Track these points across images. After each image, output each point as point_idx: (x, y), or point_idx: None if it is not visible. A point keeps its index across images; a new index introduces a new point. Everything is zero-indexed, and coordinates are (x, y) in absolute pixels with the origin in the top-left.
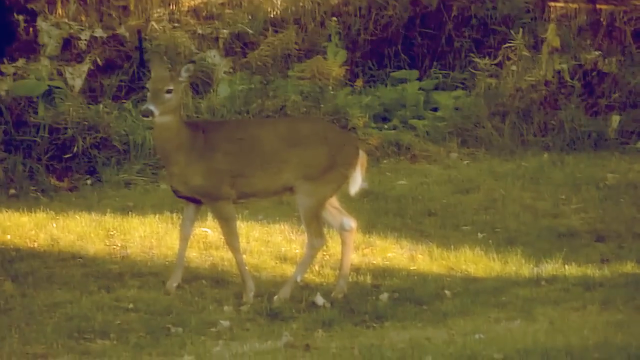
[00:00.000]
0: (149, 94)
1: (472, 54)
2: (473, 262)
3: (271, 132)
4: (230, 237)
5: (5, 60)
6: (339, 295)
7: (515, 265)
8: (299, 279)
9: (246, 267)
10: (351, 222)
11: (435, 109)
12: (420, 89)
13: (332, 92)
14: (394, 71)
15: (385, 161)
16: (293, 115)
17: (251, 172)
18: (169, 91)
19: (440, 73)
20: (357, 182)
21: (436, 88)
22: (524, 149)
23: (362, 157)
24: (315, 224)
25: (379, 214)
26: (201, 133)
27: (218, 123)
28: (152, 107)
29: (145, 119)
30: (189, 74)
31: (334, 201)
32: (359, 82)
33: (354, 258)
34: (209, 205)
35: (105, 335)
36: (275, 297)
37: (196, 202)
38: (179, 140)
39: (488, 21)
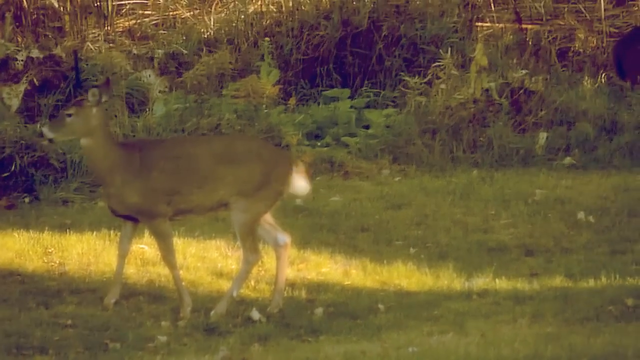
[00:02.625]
0: None
1: (402, 73)
2: (406, 276)
3: (206, 150)
4: (167, 254)
5: None
6: (274, 310)
7: (447, 280)
8: (235, 294)
9: (183, 283)
10: (285, 238)
11: (367, 127)
12: (352, 107)
13: (265, 111)
14: (326, 90)
15: (318, 178)
16: (227, 133)
17: (188, 190)
18: (69, 115)
19: (372, 91)
20: (303, 188)
21: (367, 106)
22: (453, 165)
23: (300, 165)
24: (250, 240)
25: (313, 229)
26: (137, 152)
27: (154, 142)
28: (44, 129)
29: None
30: (95, 98)
31: (268, 217)
32: (292, 101)
33: (288, 273)
34: (145, 223)
35: (44, 351)
36: (212, 312)
37: (134, 220)
38: (111, 161)
39: (417, 41)
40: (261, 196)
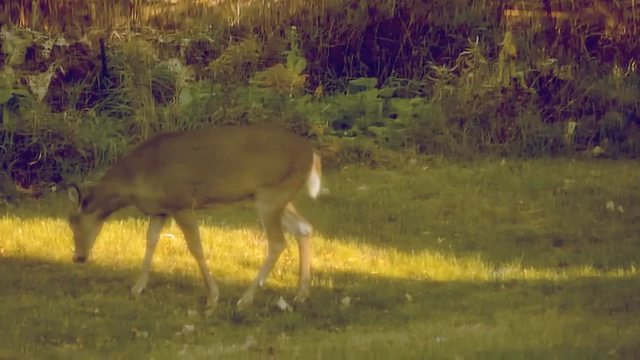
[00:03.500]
0: None
1: (429, 62)
2: (433, 266)
3: (230, 140)
4: (193, 243)
5: None
6: (301, 300)
7: (475, 270)
8: (261, 283)
9: (209, 272)
10: (307, 227)
11: (394, 116)
12: (379, 96)
13: (292, 100)
14: (353, 79)
15: (345, 167)
16: (250, 123)
17: (212, 179)
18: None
19: (399, 80)
20: (316, 185)
21: (394, 95)
22: (481, 155)
23: (317, 160)
24: (276, 229)
25: (340, 219)
26: (151, 149)
27: (174, 134)
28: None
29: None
30: (76, 196)
31: (290, 206)
32: (319, 90)
33: (315, 263)
34: (172, 214)
35: (71, 339)
36: (239, 301)
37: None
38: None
39: (445, 29)
40: (285, 185)
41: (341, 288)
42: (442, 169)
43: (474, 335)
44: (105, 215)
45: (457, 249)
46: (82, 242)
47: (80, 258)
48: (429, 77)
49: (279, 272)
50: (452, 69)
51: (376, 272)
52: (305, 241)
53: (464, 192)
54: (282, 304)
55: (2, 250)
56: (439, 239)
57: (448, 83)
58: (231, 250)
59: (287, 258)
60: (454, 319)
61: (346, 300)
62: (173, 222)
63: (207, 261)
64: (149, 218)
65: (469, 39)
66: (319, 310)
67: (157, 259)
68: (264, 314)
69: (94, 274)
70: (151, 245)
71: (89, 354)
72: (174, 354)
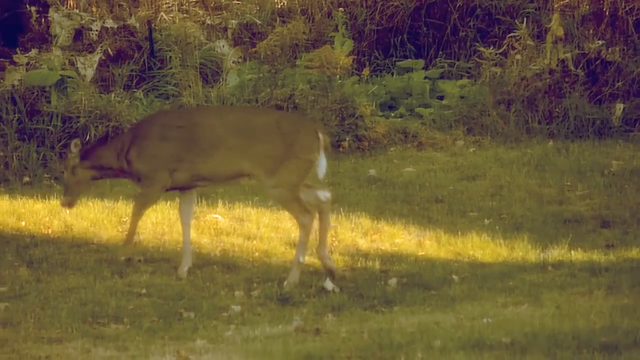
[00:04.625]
0: None
1: (477, 44)
2: (480, 247)
3: (217, 121)
4: (138, 209)
5: (18, 51)
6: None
7: (522, 251)
8: (302, 260)
9: (134, 231)
10: (326, 193)
11: (441, 98)
12: (426, 77)
13: (339, 81)
14: (400, 60)
15: (392, 149)
16: (244, 106)
17: (195, 158)
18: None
19: (446, 62)
20: (322, 165)
21: (442, 77)
22: (529, 136)
23: (324, 140)
24: (296, 206)
25: (387, 200)
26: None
27: (166, 112)
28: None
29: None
30: (78, 148)
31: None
32: (366, 71)
33: (362, 244)
34: (140, 186)
35: (118, 319)
36: (285, 282)
37: (184, 188)
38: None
39: (493, 11)
40: (289, 169)
41: (388, 269)
42: (489, 150)
43: (521, 316)
44: (96, 179)
45: (504, 231)
46: (72, 190)
47: (69, 203)
48: (476, 59)
49: (325, 253)
50: (500, 50)
51: (423, 253)
52: (324, 207)
53: (511, 173)
54: (329, 284)
55: (50, 230)
56: (485, 220)
57: (495, 65)
58: (278, 231)
59: (333, 239)
60: (501, 300)
61: (393, 281)
62: (220, 203)
63: (254, 242)
64: (178, 197)
65: (516, 20)
66: (365, 291)
67: (204, 240)
68: (310, 295)
69: (141, 255)
70: (186, 223)
71: (136, 334)
72: (221, 334)
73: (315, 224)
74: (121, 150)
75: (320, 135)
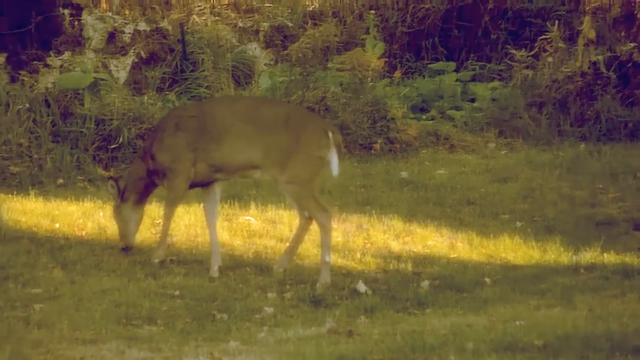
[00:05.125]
0: None
1: (508, 46)
2: (512, 250)
3: (227, 109)
4: (170, 206)
5: (51, 54)
6: (279, 270)
7: (554, 253)
8: (327, 259)
9: (167, 234)
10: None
11: (473, 100)
12: (457, 80)
13: (371, 84)
14: (431, 63)
15: (424, 151)
16: (258, 96)
17: (207, 146)
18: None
19: (477, 64)
20: (334, 163)
21: (473, 79)
22: (560, 139)
23: (335, 138)
24: (312, 204)
25: (419, 202)
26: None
27: (184, 107)
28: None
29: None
30: (114, 188)
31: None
32: (397, 74)
33: (394, 246)
34: (167, 181)
35: (152, 321)
36: (317, 284)
37: (205, 185)
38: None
39: (524, 14)
40: (298, 164)
41: (420, 271)
42: (520, 152)
43: (553, 318)
44: (140, 200)
45: (536, 233)
46: (125, 231)
47: (125, 248)
48: (508, 61)
49: (358, 255)
50: (531, 53)
51: (455, 255)
52: (307, 224)
53: (543, 176)
54: (361, 286)
55: (83, 232)
56: (517, 222)
57: (527, 67)
58: (310, 233)
59: (365, 241)
60: (534, 303)
61: (425, 283)
62: (252, 205)
63: (287, 244)
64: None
65: (548, 23)
66: (398, 294)
67: (237, 242)
68: (343, 297)
69: (174, 257)
70: (212, 223)
71: (170, 335)
72: (254, 336)
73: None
74: (145, 152)
75: (330, 134)
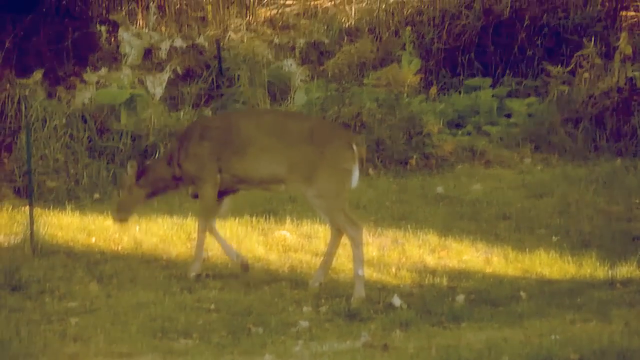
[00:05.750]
0: None
1: (544, 62)
2: (548, 264)
3: (252, 122)
4: (202, 216)
5: (88, 70)
6: (315, 284)
7: (590, 268)
8: (360, 273)
9: (203, 248)
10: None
11: (509, 116)
12: (493, 96)
13: (406, 100)
14: (467, 79)
15: (459, 166)
16: (287, 111)
17: (230, 157)
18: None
19: (513, 80)
20: (355, 175)
21: (509, 95)
22: (596, 154)
23: (359, 150)
24: (342, 217)
25: (454, 217)
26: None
27: (211, 117)
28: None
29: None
30: (134, 169)
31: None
32: (433, 90)
33: (430, 260)
34: (197, 189)
35: (188, 335)
36: (352, 298)
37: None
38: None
39: (560, 30)
40: (325, 177)
41: (455, 285)
42: (556, 168)
43: (589, 333)
44: (153, 195)
45: (572, 248)
46: (126, 208)
47: (122, 219)
48: (544, 77)
49: (393, 270)
50: (568, 69)
51: (490, 270)
52: (338, 237)
53: (579, 191)
54: (396, 300)
55: (119, 247)
56: (553, 237)
57: (563, 83)
58: (345, 248)
59: (401, 256)
60: (569, 317)
61: (460, 297)
62: (288, 220)
63: (322, 258)
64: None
65: (584, 39)
66: (433, 308)
67: (273, 256)
68: (378, 311)
69: (210, 271)
70: (211, 229)
71: (206, 349)
72: (289, 349)
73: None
74: (171, 158)
75: (355, 146)
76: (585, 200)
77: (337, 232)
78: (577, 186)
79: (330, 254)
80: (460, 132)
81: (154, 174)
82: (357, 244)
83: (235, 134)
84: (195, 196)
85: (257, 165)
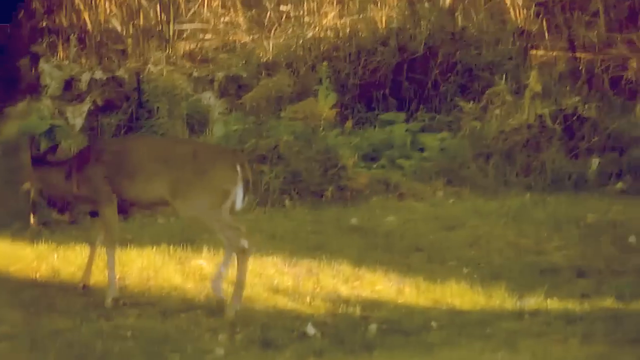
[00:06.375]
0: None
1: (457, 98)
2: (459, 295)
3: (141, 147)
4: (108, 236)
5: (9, 102)
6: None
7: (499, 299)
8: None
9: (114, 269)
10: (245, 243)
11: (422, 150)
12: (407, 130)
13: (322, 133)
14: (382, 113)
15: (374, 198)
16: (176, 137)
17: (120, 180)
18: None
19: (427, 115)
20: (239, 198)
21: (423, 130)
22: (507, 189)
23: (244, 172)
24: (220, 225)
25: (368, 248)
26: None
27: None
28: None
29: None
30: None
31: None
32: (349, 124)
33: (343, 290)
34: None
35: None
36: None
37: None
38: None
39: (473, 67)
40: (199, 194)
41: (368, 315)
42: (468, 201)
43: None
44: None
45: (482, 279)
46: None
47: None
48: (457, 113)
49: (307, 299)
50: (480, 105)
51: (403, 300)
52: (241, 257)
53: (490, 224)
54: (310, 329)
55: (37, 274)
56: (464, 269)
57: (475, 119)
58: (261, 277)
59: (315, 285)
60: (479, 347)
61: (373, 327)
62: (205, 248)
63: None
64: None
65: (495, 76)
66: (346, 337)
67: (189, 285)
68: (292, 339)
69: (127, 299)
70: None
71: None
72: None
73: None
74: (69, 174)
75: (239, 168)
76: (495, 233)
77: (239, 254)
78: (488, 219)
79: (240, 277)
80: (374, 166)
81: (51, 184)
82: (238, 250)
83: (126, 159)
84: (93, 214)
85: (145, 189)
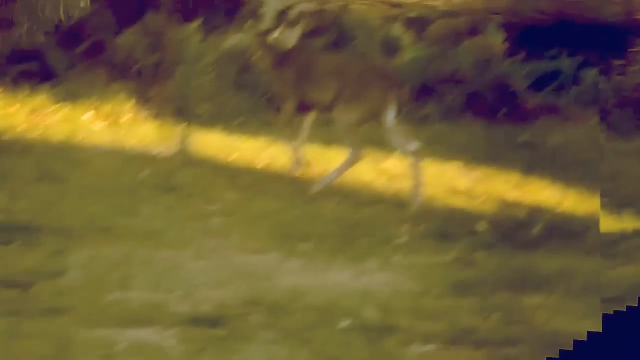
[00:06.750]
0: None
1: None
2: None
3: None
4: None
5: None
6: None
7: None
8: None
9: None
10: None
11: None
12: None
13: (497, 62)
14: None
15: (541, 119)
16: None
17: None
18: None
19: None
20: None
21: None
22: None
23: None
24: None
25: (536, 161)
26: None
27: None
28: None
29: None
30: None
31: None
32: (519, 57)
33: (512, 194)
34: None
35: (306, 239)
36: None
37: None
38: None
39: None
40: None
41: (534, 217)
42: None
43: None
44: None
45: None
46: None
47: None
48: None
49: (481, 200)
50: None
51: (565, 207)
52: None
53: None
54: (482, 226)
55: (255, 164)
56: None
57: None
58: (441, 179)
59: (488, 189)
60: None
61: (538, 227)
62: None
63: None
64: None
65: None
66: (513, 234)
67: (380, 182)
68: (465, 234)
69: (327, 190)
70: None
71: (321, 252)
72: (389, 259)
73: None
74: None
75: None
76: None
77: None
78: None
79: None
80: (542, 92)
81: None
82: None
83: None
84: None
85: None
